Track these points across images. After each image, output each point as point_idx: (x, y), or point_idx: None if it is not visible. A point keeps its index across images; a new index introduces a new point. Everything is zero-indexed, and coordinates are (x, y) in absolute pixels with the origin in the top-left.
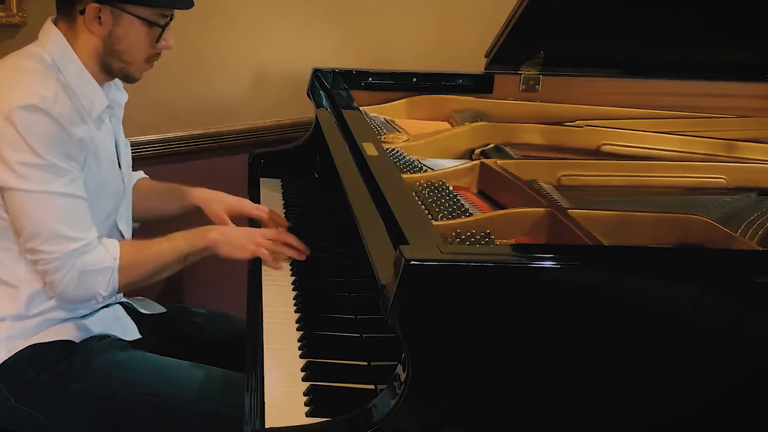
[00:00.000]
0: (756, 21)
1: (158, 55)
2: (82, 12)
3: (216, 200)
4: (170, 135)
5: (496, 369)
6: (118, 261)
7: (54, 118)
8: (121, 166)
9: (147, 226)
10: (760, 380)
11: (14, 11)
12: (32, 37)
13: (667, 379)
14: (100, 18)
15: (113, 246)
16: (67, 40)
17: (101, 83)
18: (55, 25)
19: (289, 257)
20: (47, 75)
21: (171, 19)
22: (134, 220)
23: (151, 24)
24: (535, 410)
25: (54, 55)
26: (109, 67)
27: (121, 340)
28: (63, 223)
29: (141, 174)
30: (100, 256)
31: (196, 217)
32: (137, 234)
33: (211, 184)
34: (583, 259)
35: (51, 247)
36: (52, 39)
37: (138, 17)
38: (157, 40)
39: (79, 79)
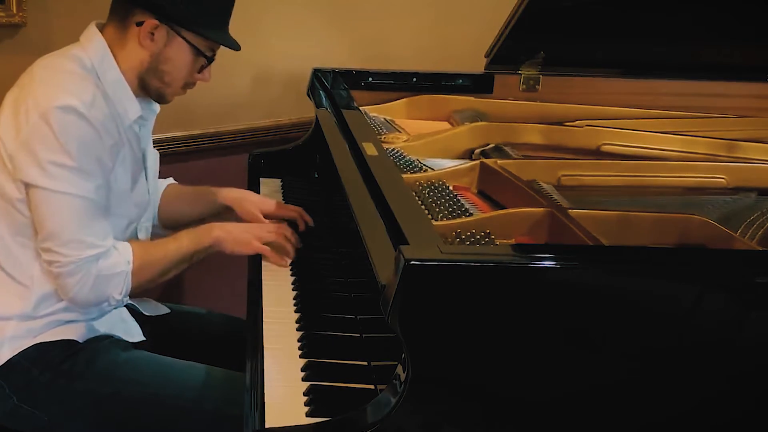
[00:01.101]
0: (756, 21)
1: (194, 84)
2: (139, 24)
3: (248, 200)
4: (170, 135)
5: (496, 369)
6: (131, 265)
7: (90, 121)
8: (148, 177)
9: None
10: (760, 380)
11: (14, 11)
12: (32, 37)
13: (667, 378)
14: (153, 34)
15: (126, 250)
16: (112, 47)
17: (135, 95)
18: (101, 30)
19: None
20: (86, 78)
21: (214, 54)
22: (165, 227)
23: (198, 53)
24: (535, 410)
25: (94, 61)
26: (147, 84)
27: (124, 340)
28: (84, 227)
29: (170, 180)
30: (115, 261)
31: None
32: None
33: (211, 184)
34: (583, 259)
35: (68, 251)
36: (94, 44)
37: (190, 44)
38: (199, 71)
39: (116, 86)
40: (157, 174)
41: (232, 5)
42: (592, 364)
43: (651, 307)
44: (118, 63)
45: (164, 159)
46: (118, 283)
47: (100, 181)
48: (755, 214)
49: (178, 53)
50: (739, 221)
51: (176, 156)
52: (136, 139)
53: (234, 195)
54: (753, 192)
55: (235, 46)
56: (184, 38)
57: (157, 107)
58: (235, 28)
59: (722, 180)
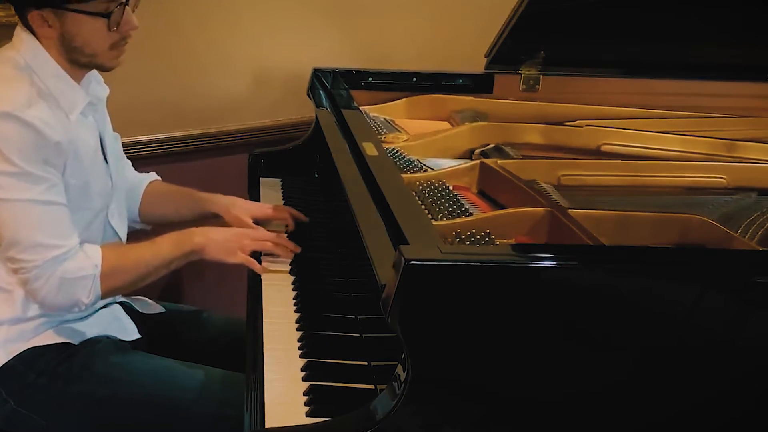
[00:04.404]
0: (756, 21)
1: (125, 39)
2: (30, 18)
3: (237, 206)
4: (170, 135)
5: (496, 369)
6: (99, 268)
7: (28, 123)
8: (108, 162)
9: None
10: (760, 380)
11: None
12: None
13: (667, 378)
14: (47, 21)
15: (94, 252)
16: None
17: (79, 79)
18: None
19: (289, 259)
20: (21, 79)
21: (127, 2)
22: (145, 222)
23: (96, 15)
24: (535, 410)
25: (27, 58)
26: (78, 61)
27: (120, 341)
28: (41, 231)
29: (153, 176)
30: (81, 264)
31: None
32: (148, 235)
33: (210, 184)
34: (583, 259)
35: (30, 256)
36: (25, 42)
37: (82, 12)
38: (117, 26)
39: (56, 79)
40: (121, 157)
41: None
42: (592, 364)
43: (651, 307)
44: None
45: (164, 159)
46: (85, 286)
47: (50, 182)
48: (755, 214)
49: (79, 25)
50: (739, 221)
51: (176, 156)
52: (89, 127)
53: (222, 201)
54: (753, 192)
55: None
56: (72, 10)
57: (105, 90)
58: (235, 28)
59: (722, 180)
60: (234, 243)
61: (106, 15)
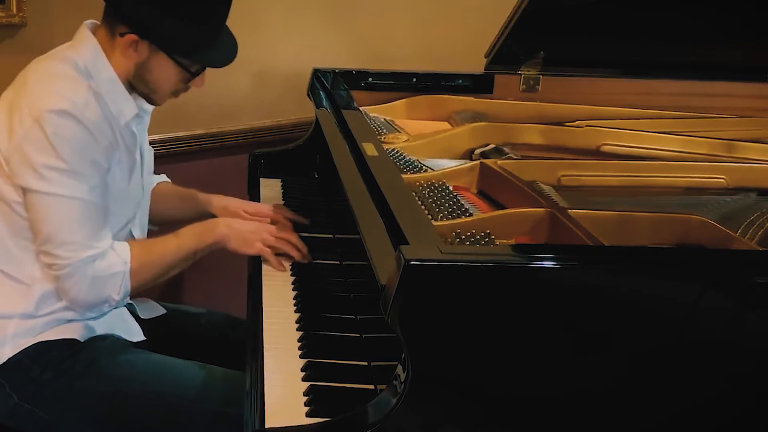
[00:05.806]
0: (756, 21)
1: (187, 89)
2: (122, 35)
3: (232, 206)
4: (170, 135)
5: (496, 369)
6: (129, 265)
7: (83, 124)
8: (143, 174)
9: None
10: (760, 380)
11: (14, 11)
12: (32, 37)
13: (667, 378)
14: (137, 47)
15: (124, 250)
16: (104, 49)
17: (130, 92)
18: (94, 30)
19: (290, 259)
20: (79, 81)
21: (203, 68)
22: (153, 224)
23: (184, 69)
24: (535, 410)
25: (87, 62)
26: (135, 88)
27: (125, 339)
28: (80, 230)
29: (162, 177)
30: (111, 261)
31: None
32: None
33: (211, 184)
34: (583, 259)
35: (65, 253)
36: (86, 45)
37: (176, 61)
38: (189, 80)
39: (111, 86)
40: (152, 170)
41: (225, 18)
42: (592, 364)
43: (651, 307)
44: (110, 64)
45: (166, 159)
46: (116, 283)
47: (94, 182)
48: (755, 214)
49: (162, 67)
50: (739, 221)
51: (178, 156)
52: (133, 137)
53: (217, 203)
54: (753, 192)
55: (220, 64)
56: (170, 56)
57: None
58: (236, 28)
59: (722, 180)
60: (255, 235)
61: (193, 73)
